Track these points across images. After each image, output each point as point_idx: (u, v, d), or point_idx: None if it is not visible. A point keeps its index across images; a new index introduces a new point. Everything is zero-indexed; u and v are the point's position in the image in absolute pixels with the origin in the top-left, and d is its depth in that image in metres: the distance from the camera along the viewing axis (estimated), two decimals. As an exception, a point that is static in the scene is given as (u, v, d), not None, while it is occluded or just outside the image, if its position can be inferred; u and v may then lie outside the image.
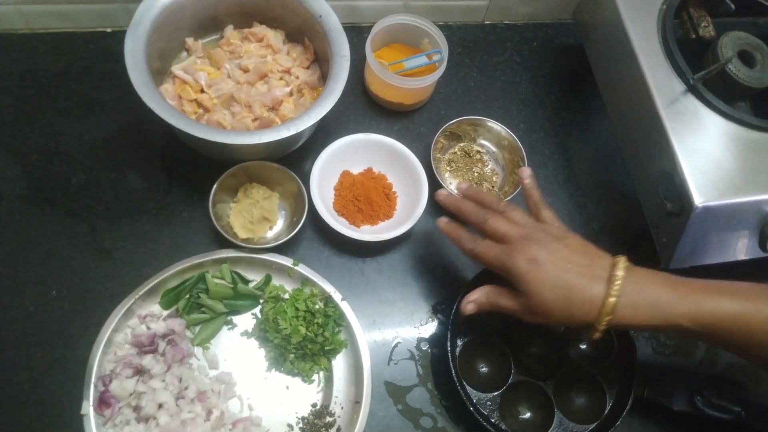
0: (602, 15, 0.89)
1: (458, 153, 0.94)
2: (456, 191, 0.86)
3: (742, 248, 0.80)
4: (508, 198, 0.87)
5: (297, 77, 0.88)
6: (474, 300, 0.71)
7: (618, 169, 0.97)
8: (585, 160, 0.98)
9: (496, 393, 0.78)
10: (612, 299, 0.63)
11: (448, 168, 0.93)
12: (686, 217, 0.74)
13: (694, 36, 0.86)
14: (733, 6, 0.86)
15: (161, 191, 0.86)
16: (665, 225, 0.79)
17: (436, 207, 0.89)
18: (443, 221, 0.76)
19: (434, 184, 0.87)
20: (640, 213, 0.84)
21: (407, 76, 0.92)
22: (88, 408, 0.70)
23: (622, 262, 0.66)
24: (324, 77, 0.88)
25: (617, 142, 0.90)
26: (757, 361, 0.67)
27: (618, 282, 0.63)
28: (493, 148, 0.95)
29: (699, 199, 0.73)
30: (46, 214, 0.82)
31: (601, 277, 0.65)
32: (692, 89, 0.80)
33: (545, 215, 0.73)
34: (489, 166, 0.94)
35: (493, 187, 0.93)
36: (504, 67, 1.04)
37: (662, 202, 0.78)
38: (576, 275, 0.65)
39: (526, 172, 0.76)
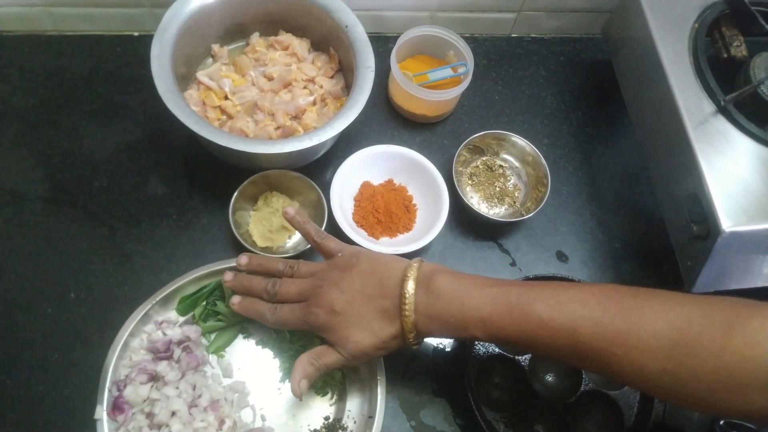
0: (632, 31, 0.87)
1: (480, 167, 0.93)
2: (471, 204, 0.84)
3: (769, 274, 0.78)
4: (530, 215, 0.86)
5: (321, 86, 0.88)
6: (303, 376, 0.66)
7: (643, 188, 0.96)
8: (609, 177, 0.97)
9: (511, 413, 0.77)
10: (407, 319, 0.63)
11: (470, 182, 0.92)
12: (713, 242, 0.73)
13: (725, 55, 0.84)
14: (767, 26, 0.84)
15: (182, 197, 0.86)
16: (690, 248, 0.77)
17: (456, 221, 0.89)
18: (236, 302, 0.72)
19: (455, 198, 0.87)
20: (665, 234, 0.82)
21: (431, 88, 0.91)
22: (102, 413, 0.70)
23: (412, 273, 0.64)
24: (348, 87, 0.88)
25: (643, 161, 0.89)
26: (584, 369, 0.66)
27: (408, 301, 0.63)
28: (517, 163, 0.94)
29: (727, 224, 0.72)
30: (67, 216, 0.83)
31: (394, 297, 0.64)
32: (723, 110, 0.78)
33: (328, 246, 0.71)
34: (511, 181, 0.93)
35: (515, 202, 0.91)
36: (530, 81, 1.03)
37: (688, 225, 0.76)
38: (372, 307, 0.64)
39: (289, 212, 0.72)
